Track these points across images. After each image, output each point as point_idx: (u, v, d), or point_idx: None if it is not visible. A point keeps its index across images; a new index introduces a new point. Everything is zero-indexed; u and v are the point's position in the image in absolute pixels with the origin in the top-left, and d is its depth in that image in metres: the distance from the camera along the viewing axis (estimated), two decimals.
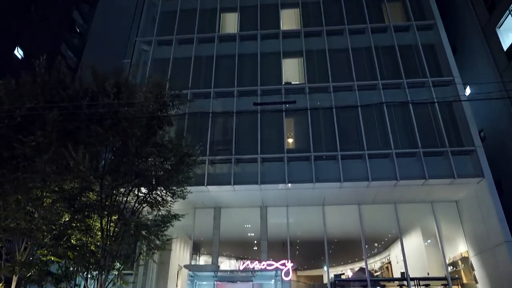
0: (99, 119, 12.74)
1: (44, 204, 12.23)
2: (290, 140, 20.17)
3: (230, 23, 24.27)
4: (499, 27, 21.76)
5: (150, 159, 13.32)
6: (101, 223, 12.77)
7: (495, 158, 19.82)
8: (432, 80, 20.04)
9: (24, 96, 12.38)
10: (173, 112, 14.41)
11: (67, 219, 12.95)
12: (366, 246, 19.90)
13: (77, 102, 12.93)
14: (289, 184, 18.32)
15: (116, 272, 13.91)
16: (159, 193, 13.88)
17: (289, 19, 23.95)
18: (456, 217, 19.79)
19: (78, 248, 12.85)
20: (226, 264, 23.45)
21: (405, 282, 18.30)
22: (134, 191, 13.67)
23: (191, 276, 19.53)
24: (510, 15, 20.96)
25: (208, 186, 18.56)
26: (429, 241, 20.15)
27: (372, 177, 17.94)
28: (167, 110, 14.00)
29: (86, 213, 13.02)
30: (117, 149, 13.69)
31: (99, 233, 12.89)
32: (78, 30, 38.42)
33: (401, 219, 19.85)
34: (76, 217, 12.88)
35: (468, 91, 22.94)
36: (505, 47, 21.00)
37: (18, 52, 28.88)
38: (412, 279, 18.20)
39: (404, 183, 17.93)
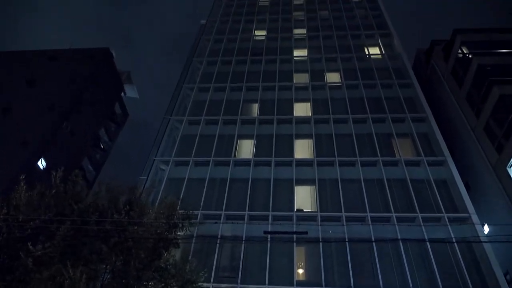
0: (105, 236, 12.48)
1: None
2: (301, 271, 19.01)
3: (246, 149, 25.38)
4: (510, 167, 22.07)
5: (150, 284, 12.52)
6: None
7: None
8: (447, 216, 19.59)
9: (38, 209, 12.50)
10: (181, 233, 14.07)
11: None
12: None
13: (86, 217, 12.86)
14: None
15: None
16: None
17: (302, 149, 24.97)
18: None
19: None
20: None
21: None
22: None
23: None
24: None
25: None
26: None
27: None
28: (176, 231, 13.71)
29: None
30: (118, 269, 13.02)
31: None
32: (102, 146, 40.58)
33: None
34: None
35: (486, 229, 22.17)
36: None
37: (42, 163, 30.13)
38: None
39: None
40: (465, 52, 28.27)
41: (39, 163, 29.93)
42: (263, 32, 37.94)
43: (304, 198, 22.17)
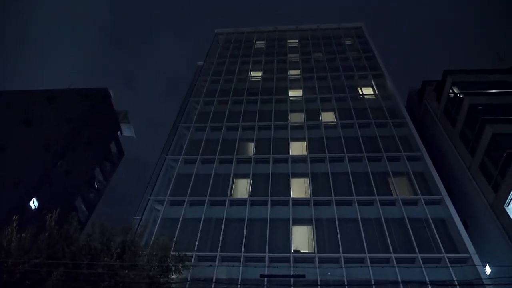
0: (96, 280, 12.03)
1: None
2: None
3: (242, 188, 25.18)
4: (507, 205, 21.93)
5: None
6: None
7: None
8: (448, 257, 19.19)
9: (29, 252, 12.13)
10: (175, 277, 13.61)
11: None
12: None
13: (78, 260, 12.47)
14: None
15: None
16: None
17: (299, 188, 24.80)
18: None
19: None
20: None
21: None
22: None
23: None
24: None
25: None
26: None
27: None
28: (169, 274, 13.26)
29: None
30: None
31: None
32: (96, 186, 40.13)
33: None
34: None
35: (488, 269, 21.66)
36: None
37: (34, 203, 29.59)
38: None
39: None
40: (456, 92, 28.92)
41: (31, 203, 29.40)
42: (259, 73, 38.82)
43: (301, 238, 21.73)
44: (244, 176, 25.80)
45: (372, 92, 34.46)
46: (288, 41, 45.81)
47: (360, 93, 34.34)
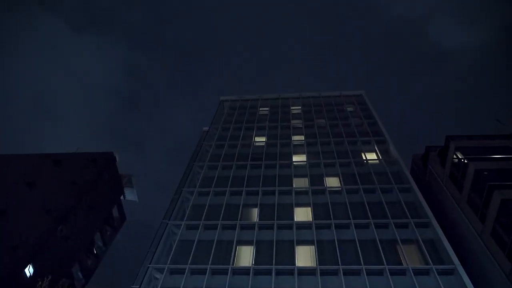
0: None
1: None
2: None
3: (245, 256, 24.26)
4: None
5: None
6: None
7: None
8: None
9: None
10: None
11: None
12: None
13: None
14: None
15: None
16: None
17: (304, 256, 23.87)
18: None
19: None
20: None
21: None
22: None
23: None
24: None
25: None
26: None
27: None
28: None
29: None
30: None
31: None
32: (95, 252, 38.94)
33: None
34: None
35: None
36: None
37: (29, 270, 28.52)
38: None
39: None
40: (460, 157, 28.97)
41: (26, 269, 28.35)
42: (263, 139, 39.40)
43: None
44: (248, 243, 24.99)
45: (375, 157, 34.55)
46: (291, 108, 47.10)
47: (364, 158, 34.44)
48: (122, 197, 44.01)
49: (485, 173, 25.82)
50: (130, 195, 44.77)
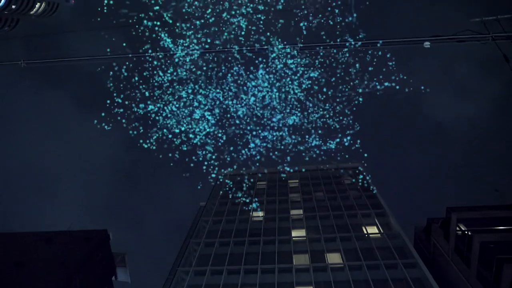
0: None
1: None
2: None
3: None
4: None
5: None
6: None
7: None
8: None
9: None
10: None
11: None
12: None
13: None
14: None
15: None
16: None
17: None
18: None
19: None
20: None
21: None
22: None
23: None
24: None
25: None
26: None
27: None
28: None
29: None
30: None
31: None
32: None
33: None
34: None
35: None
36: None
37: None
38: None
39: None
40: (463, 229, 28.27)
41: None
42: (261, 213, 38.69)
43: None
44: (252, 286, 23.35)
45: (377, 231, 33.67)
46: (289, 181, 47.03)
47: (365, 232, 33.55)
48: (113, 278, 41.77)
49: (491, 245, 25.00)
50: (122, 275, 42.47)
